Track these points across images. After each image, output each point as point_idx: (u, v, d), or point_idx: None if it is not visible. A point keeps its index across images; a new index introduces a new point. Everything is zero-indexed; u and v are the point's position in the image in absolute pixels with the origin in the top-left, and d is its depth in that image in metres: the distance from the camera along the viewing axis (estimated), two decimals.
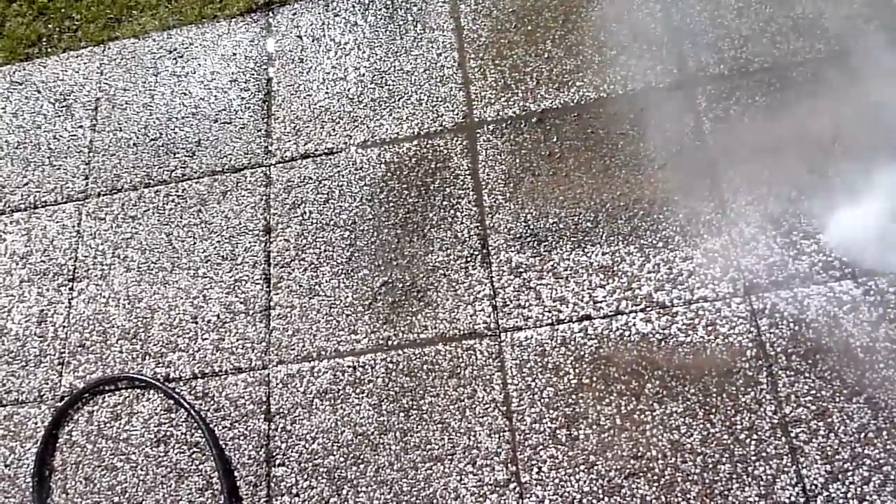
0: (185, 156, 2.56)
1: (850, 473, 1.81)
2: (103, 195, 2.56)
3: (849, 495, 1.79)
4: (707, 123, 2.22)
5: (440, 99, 2.44)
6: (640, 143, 2.23)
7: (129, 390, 2.26)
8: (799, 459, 1.84)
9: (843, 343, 1.92)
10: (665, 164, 2.19)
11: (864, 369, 1.89)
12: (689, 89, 2.28)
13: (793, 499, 1.81)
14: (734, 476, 1.85)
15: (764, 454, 1.86)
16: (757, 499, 1.82)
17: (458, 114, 2.40)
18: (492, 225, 2.23)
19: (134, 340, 2.32)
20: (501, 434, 2.00)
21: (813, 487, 1.81)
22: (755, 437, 1.88)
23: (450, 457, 2.00)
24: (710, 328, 2.00)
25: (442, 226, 2.26)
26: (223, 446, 2.13)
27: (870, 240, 2.00)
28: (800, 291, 1.99)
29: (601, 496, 1.89)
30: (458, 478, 1.98)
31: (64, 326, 2.39)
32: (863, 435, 1.83)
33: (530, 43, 2.45)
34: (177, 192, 2.51)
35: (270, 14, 2.73)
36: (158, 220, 2.47)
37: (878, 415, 1.84)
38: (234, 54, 2.69)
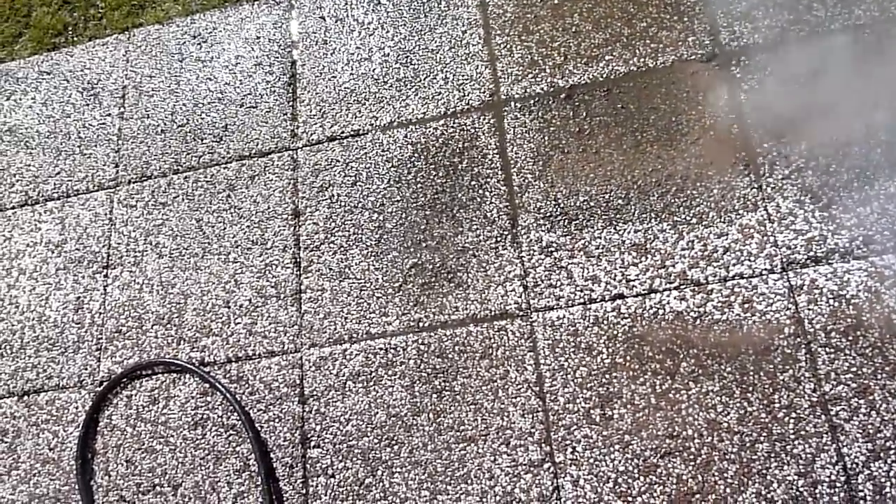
0: (213, 141, 2.56)
1: (892, 451, 1.78)
2: (133, 182, 2.58)
3: (891, 473, 1.76)
4: (742, 95, 2.16)
5: (466, 77, 2.40)
6: (672, 117, 2.18)
7: (166, 375, 2.30)
8: (839, 438, 1.81)
9: (884, 319, 1.87)
10: (698, 138, 2.14)
11: None
12: (722, 60, 2.21)
13: (833, 477, 1.78)
14: (772, 455, 1.83)
15: (803, 432, 1.83)
16: (796, 478, 1.80)
17: (484, 92, 2.37)
18: (521, 204, 2.21)
19: (168, 326, 2.35)
20: (535, 414, 2.00)
21: (854, 466, 1.78)
22: (794, 415, 1.85)
23: (483, 437, 2.01)
24: (746, 305, 1.96)
25: (471, 206, 2.24)
26: (259, 429, 2.16)
27: None
28: (839, 267, 1.94)
29: (636, 476, 1.89)
30: (492, 458, 1.98)
31: (100, 313, 2.43)
32: None
33: (557, 17, 2.39)
34: (205, 177, 2.52)
35: None
36: (188, 206, 2.49)
37: None
38: (258, 38, 2.68)
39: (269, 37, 2.67)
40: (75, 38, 2.91)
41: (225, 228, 2.42)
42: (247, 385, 2.22)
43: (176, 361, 2.28)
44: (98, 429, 2.29)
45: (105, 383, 2.32)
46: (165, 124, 2.63)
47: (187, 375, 2.27)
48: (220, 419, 2.20)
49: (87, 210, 2.59)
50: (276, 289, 2.31)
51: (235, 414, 2.18)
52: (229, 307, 2.32)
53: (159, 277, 2.42)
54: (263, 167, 2.48)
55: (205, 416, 2.22)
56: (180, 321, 2.34)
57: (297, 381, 2.19)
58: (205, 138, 2.58)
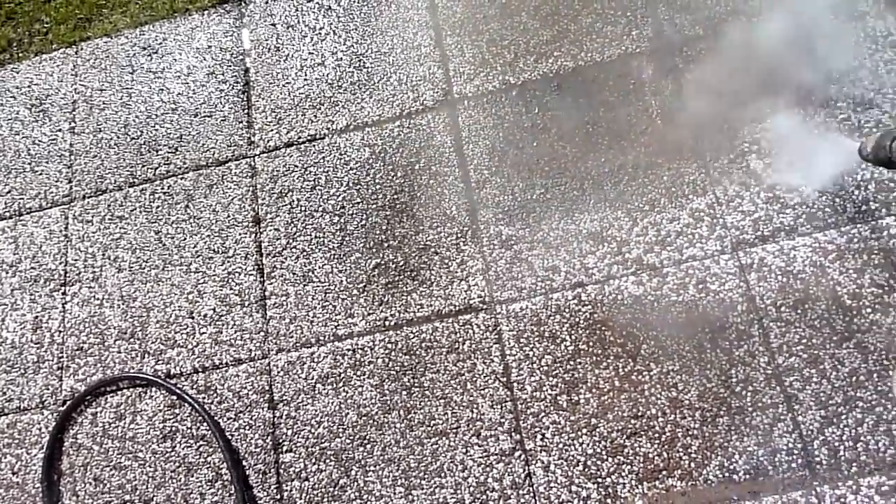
0: (168, 152, 2.55)
1: (844, 416, 1.86)
2: (88, 197, 2.55)
3: (843, 437, 1.84)
4: (686, 85, 2.24)
5: (419, 78, 2.44)
6: (620, 109, 2.25)
7: (131, 389, 2.27)
8: (794, 407, 1.89)
9: (829, 291, 1.96)
10: (647, 128, 2.22)
11: (851, 315, 1.93)
12: (665, 52, 2.29)
13: (790, 445, 1.86)
14: (732, 427, 1.90)
15: (760, 404, 1.91)
16: (756, 448, 1.87)
17: (438, 91, 2.41)
18: (480, 199, 2.25)
19: (132, 340, 2.32)
20: (503, 404, 2.03)
21: (809, 433, 1.86)
22: (751, 388, 1.92)
23: (454, 430, 2.04)
24: (700, 286, 2.03)
25: (430, 204, 2.28)
26: (230, 437, 2.15)
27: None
28: (786, 244, 2.02)
29: (605, 457, 1.94)
30: (464, 450, 2.01)
31: (60, 331, 2.39)
32: (854, 378, 1.88)
33: (505, 16, 2.45)
34: (163, 189, 2.50)
35: (243, 4, 2.71)
36: (146, 219, 2.47)
37: (867, 358, 1.89)
38: (210, 47, 2.68)
39: (221, 46, 2.67)
40: (20, 55, 2.85)
41: (185, 239, 2.41)
42: (215, 394, 2.21)
43: (141, 375, 2.25)
44: (63, 449, 2.25)
45: (68, 402, 2.28)
46: (119, 137, 2.61)
47: (153, 389, 2.25)
48: (189, 430, 2.19)
49: (42, 228, 2.54)
50: (240, 296, 2.30)
51: (205, 424, 2.16)
52: (193, 318, 2.31)
53: (120, 292, 2.39)
54: (221, 176, 2.47)
55: (174, 429, 2.20)
56: (144, 335, 2.32)
57: (266, 387, 2.19)
58: (160, 150, 2.56)
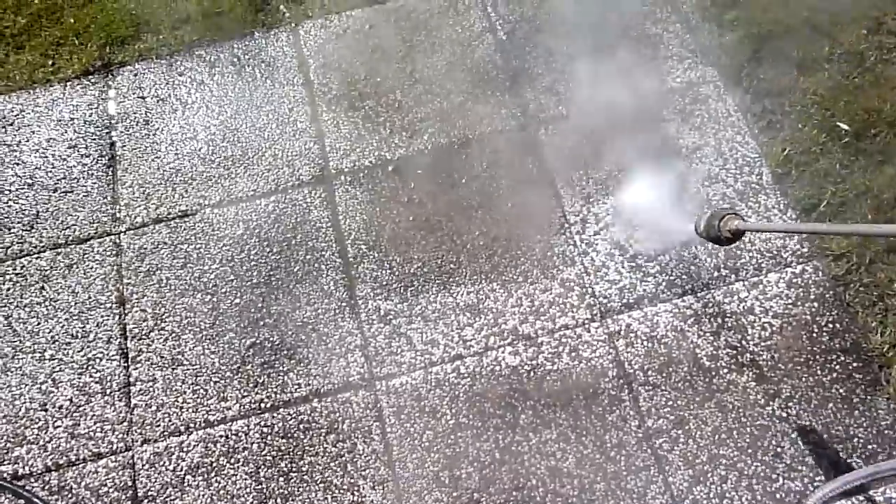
0: (23, 230, 2.37)
1: (710, 474, 1.95)
2: None
3: (711, 495, 1.93)
4: (550, 160, 2.36)
5: (295, 153, 2.43)
6: (492, 182, 2.34)
7: None
8: (665, 468, 1.96)
9: (690, 353, 2.08)
10: (518, 201, 2.31)
11: (711, 376, 2.05)
12: (531, 130, 2.42)
13: None
14: (609, 493, 1.94)
15: (633, 467, 1.96)
16: None
17: (314, 167, 2.41)
18: (357, 274, 2.24)
19: None
20: (385, 484, 1.98)
21: (679, 493, 1.93)
22: (624, 452, 1.98)
23: None
24: (573, 354, 2.10)
25: (307, 280, 2.24)
26: None
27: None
28: (649, 310, 2.14)
29: None
30: None
31: None
32: (717, 437, 1.99)
33: (381, 94, 2.51)
34: (14, 269, 2.31)
35: (110, 76, 2.62)
36: None
37: (727, 416, 2.01)
38: (72, 119, 2.55)
39: (85, 118, 2.55)
40: None
41: (39, 324, 2.23)
42: (70, 495, 2.02)
43: None
44: None
45: None
46: None
47: None
48: None
49: None
50: (100, 384, 2.14)
51: None
52: (46, 410, 2.12)
53: None
54: (82, 254, 2.33)
55: None
56: None
57: (130, 483, 2.02)
58: (13, 227, 2.38)
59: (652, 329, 2.12)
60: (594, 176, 2.33)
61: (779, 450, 1.96)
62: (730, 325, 2.11)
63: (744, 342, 2.09)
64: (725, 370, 2.06)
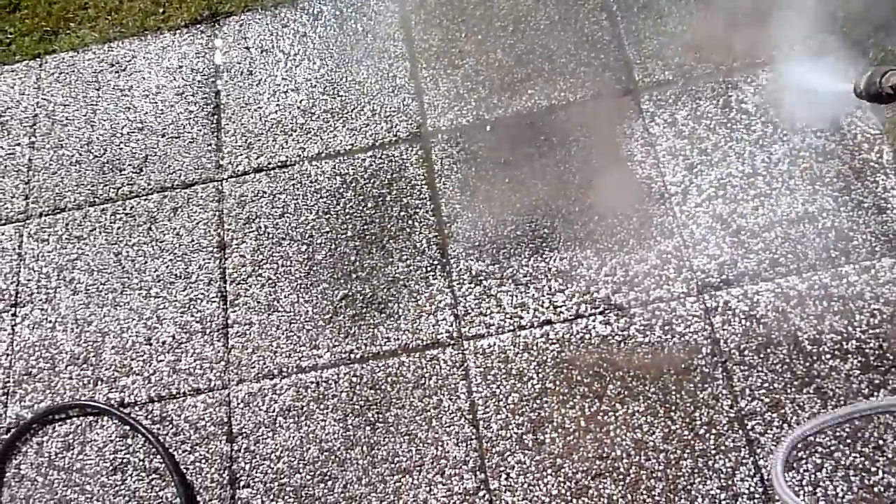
0: (132, 172, 2.48)
1: (803, 461, 1.89)
2: (45, 215, 2.46)
3: (803, 482, 1.87)
4: (655, 127, 2.28)
5: (394, 109, 2.44)
6: (592, 148, 2.28)
7: (82, 418, 2.18)
8: (756, 451, 1.91)
9: (791, 336, 2.00)
10: (616, 168, 2.24)
11: (812, 360, 1.97)
12: (636, 95, 2.34)
13: (751, 489, 1.88)
14: (696, 471, 1.91)
15: (723, 447, 1.92)
16: (718, 491, 1.88)
17: (412, 124, 2.41)
18: (450, 234, 2.24)
19: (84, 366, 2.23)
20: (469, 442, 2.01)
21: (769, 478, 1.88)
22: (714, 431, 1.94)
23: (418, 468, 2.00)
24: (666, 328, 2.05)
25: (400, 237, 2.26)
26: (184, 471, 2.07)
27: None
28: (749, 288, 2.06)
29: (569, 498, 1.92)
30: (428, 489, 1.98)
31: (7, 354, 2.28)
32: None
33: (481, 52, 2.47)
34: (124, 209, 2.43)
35: (216, 25, 2.68)
36: (106, 240, 2.39)
37: (826, 403, 1.93)
38: (180, 67, 2.63)
39: (192, 66, 2.63)
40: None
41: (146, 262, 2.34)
42: (171, 425, 2.14)
43: (92, 403, 2.16)
44: (4, 480, 2.14)
45: (13, 430, 2.17)
46: (81, 155, 2.53)
47: (105, 418, 2.16)
48: (141, 463, 2.10)
49: None
50: (201, 324, 2.24)
51: (158, 456, 2.08)
52: (151, 344, 2.24)
53: (74, 315, 2.30)
54: (187, 199, 2.42)
55: (125, 461, 2.11)
56: (97, 361, 2.24)
57: (225, 419, 2.12)
58: (124, 169, 2.49)
59: (751, 308, 2.04)
60: (699, 146, 2.24)
61: (881, 442, 1.88)
62: (836, 309, 2.01)
63: (850, 328, 1.99)
64: (828, 356, 1.97)
